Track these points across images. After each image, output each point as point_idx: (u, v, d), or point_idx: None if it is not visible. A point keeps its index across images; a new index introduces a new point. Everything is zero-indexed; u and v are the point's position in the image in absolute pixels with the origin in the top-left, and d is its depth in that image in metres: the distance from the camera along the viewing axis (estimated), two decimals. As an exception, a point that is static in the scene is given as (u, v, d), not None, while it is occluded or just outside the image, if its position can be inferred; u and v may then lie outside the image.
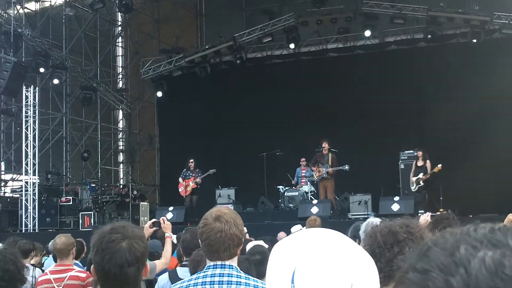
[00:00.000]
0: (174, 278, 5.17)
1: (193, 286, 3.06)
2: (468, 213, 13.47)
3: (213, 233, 3.01)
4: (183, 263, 5.62)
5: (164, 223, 6.35)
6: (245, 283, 3.03)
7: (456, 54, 20.20)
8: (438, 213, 10.90)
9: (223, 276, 3.03)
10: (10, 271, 3.92)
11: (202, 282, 3.04)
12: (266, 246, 6.65)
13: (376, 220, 4.77)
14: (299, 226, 10.12)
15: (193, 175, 17.45)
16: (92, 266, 2.50)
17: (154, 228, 6.43)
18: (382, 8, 20.34)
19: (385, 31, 21.72)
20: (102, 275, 2.44)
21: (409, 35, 21.72)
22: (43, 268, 7.70)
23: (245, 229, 3.64)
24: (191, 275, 3.96)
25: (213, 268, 3.06)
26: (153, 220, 6.53)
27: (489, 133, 19.05)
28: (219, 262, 3.05)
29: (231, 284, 3.01)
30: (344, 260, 1.76)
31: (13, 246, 7.26)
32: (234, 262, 3.08)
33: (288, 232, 10.39)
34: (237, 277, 3.03)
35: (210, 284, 3.02)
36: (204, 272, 3.08)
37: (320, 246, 1.79)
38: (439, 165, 15.13)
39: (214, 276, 3.03)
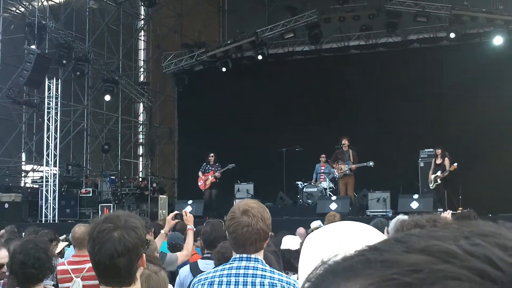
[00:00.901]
0: (195, 270, 5.22)
1: (218, 277, 3.09)
2: (487, 212, 13.38)
3: (240, 227, 3.04)
4: (205, 255, 5.66)
5: (186, 215, 6.38)
6: (270, 276, 3.06)
7: (479, 54, 20.03)
8: (459, 211, 10.85)
9: (248, 269, 3.05)
10: (41, 259, 3.96)
11: (227, 274, 3.08)
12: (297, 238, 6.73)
13: (405, 217, 4.80)
14: (318, 222, 10.13)
15: (213, 169, 17.50)
16: None
17: (176, 220, 6.46)
18: (405, 6, 20.22)
19: (407, 29, 21.60)
20: (94, 265, 2.42)
21: (432, 33, 21.57)
22: (63, 257, 7.76)
23: None
24: (215, 266, 4.00)
25: (238, 260, 3.09)
26: (176, 212, 6.56)
27: (510, 133, 18.91)
28: (245, 255, 3.08)
29: (256, 277, 3.04)
30: None
31: (33, 235, 7.33)
32: (260, 255, 3.11)
33: (307, 228, 10.43)
34: (262, 271, 3.06)
35: (235, 276, 3.06)
36: (230, 264, 3.11)
37: (353, 238, 1.81)
38: (455, 164, 15.08)
39: (239, 269, 3.06)
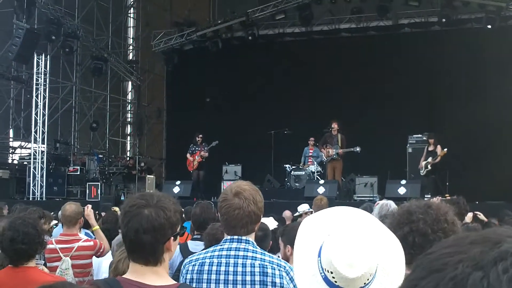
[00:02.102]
0: (185, 251, 5.22)
1: (209, 258, 3.10)
2: (475, 200, 13.46)
3: (232, 209, 3.04)
4: (194, 236, 5.67)
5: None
6: (260, 258, 3.06)
7: (470, 39, 20.04)
8: (447, 196, 10.91)
9: (239, 251, 3.06)
10: (30, 234, 3.95)
11: (218, 255, 3.08)
12: (276, 223, 6.71)
13: (389, 202, 4.81)
14: (306, 206, 10.15)
15: (200, 149, 17.50)
16: None
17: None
18: (397, -11, 20.16)
19: (399, 13, 21.54)
20: (123, 238, 2.49)
21: (424, 18, 21.52)
22: (51, 236, 7.73)
23: None
24: (205, 248, 4.00)
25: (229, 242, 3.09)
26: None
27: (498, 120, 19.00)
28: (236, 237, 3.08)
29: (247, 258, 3.04)
30: (371, 239, 1.78)
31: (23, 212, 7.30)
32: (251, 237, 3.12)
33: (294, 211, 10.46)
34: (252, 252, 3.07)
35: (225, 258, 3.06)
36: (221, 245, 3.12)
37: (348, 223, 1.81)
38: (445, 149, 15.13)
39: (230, 250, 3.07)
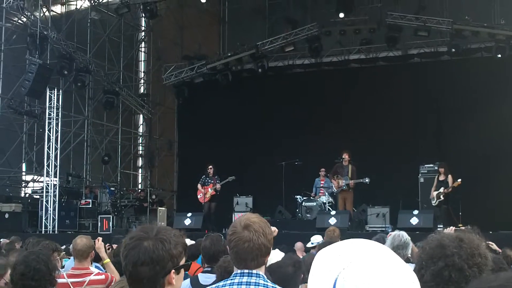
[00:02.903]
0: (195, 284, 5.20)
1: (220, 293, 3.08)
2: (488, 229, 13.33)
3: (241, 242, 3.03)
4: (205, 269, 5.65)
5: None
6: (271, 292, 3.05)
7: (480, 69, 20.05)
8: (460, 226, 10.82)
9: (249, 285, 3.04)
10: (41, 271, 3.96)
11: (229, 289, 3.07)
12: (282, 254, 6.70)
13: (402, 233, 4.78)
14: (319, 237, 10.10)
15: (212, 181, 17.46)
16: None
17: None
18: (406, 20, 20.28)
19: (408, 43, 21.64)
20: (123, 271, 2.43)
21: (433, 48, 21.60)
22: (63, 269, 7.71)
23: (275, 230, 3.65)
24: (217, 280, 3.98)
25: (240, 276, 3.07)
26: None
27: (510, 149, 18.91)
28: (246, 270, 3.06)
29: (258, 292, 3.02)
30: (388, 272, 1.76)
31: (36, 246, 7.30)
32: (261, 270, 3.10)
33: (305, 242, 10.40)
34: (264, 286, 3.05)
35: (237, 292, 3.04)
36: (231, 279, 3.10)
37: (363, 256, 1.80)
38: (459, 180, 15.00)
39: (241, 285, 3.04)
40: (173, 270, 2.39)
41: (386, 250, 1.88)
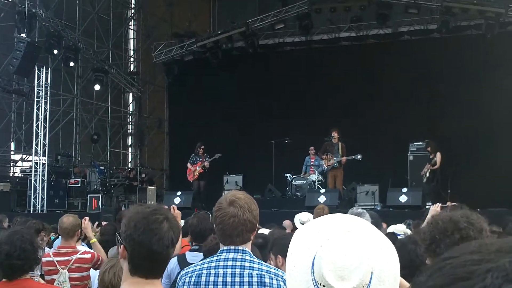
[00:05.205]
0: (183, 262, 5.20)
1: (206, 269, 3.07)
2: (476, 207, 13.40)
3: (227, 218, 3.02)
4: (192, 248, 5.65)
5: (174, 211, 6.34)
6: (258, 268, 3.04)
7: (470, 46, 20.04)
8: (448, 203, 10.86)
9: (236, 261, 3.03)
10: (27, 251, 3.95)
11: (215, 266, 3.06)
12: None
13: (359, 211, 4.87)
14: (307, 214, 10.09)
15: (201, 160, 17.45)
16: (123, 245, 2.44)
17: None
18: (396, -2, 20.20)
19: (398, 21, 21.57)
20: (146, 255, 2.38)
21: (423, 25, 21.53)
22: (52, 248, 7.70)
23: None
24: (204, 258, 3.97)
25: (226, 252, 3.07)
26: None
27: (501, 126, 18.98)
28: (232, 247, 3.06)
29: (244, 268, 3.02)
30: (365, 248, 1.75)
31: (23, 225, 7.29)
32: (247, 247, 3.09)
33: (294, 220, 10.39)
34: (250, 262, 3.04)
35: (222, 268, 3.04)
36: (217, 256, 3.09)
37: (340, 233, 1.79)
38: (438, 154, 15.14)
39: (227, 261, 3.04)
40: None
41: (363, 224, 1.87)
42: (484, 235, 2.54)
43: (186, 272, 3.15)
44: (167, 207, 2.64)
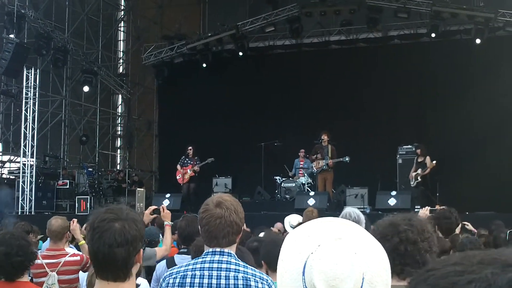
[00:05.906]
0: (171, 265, 5.16)
1: (191, 271, 3.05)
2: (465, 210, 13.45)
3: (213, 219, 3.01)
4: (181, 250, 5.62)
5: (163, 211, 6.32)
6: (243, 271, 3.02)
7: (459, 51, 20.12)
8: (437, 207, 10.89)
9: (221, 263, 3.01)
10: (23, 246, 3.97)
11: (200, 267, 3.03)
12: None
13: (354, 210, 4.82)
14: (297, 217, 10.07)
15: (192, 162, 17.40)
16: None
17: (154, 215, 6.41)
18: (386, 2, 20.23)
19: (388, 25, 21.63)
20: (92, 254, 2.39)
21: (413, 29, 21.62)
22: (40, 250, 7.64)
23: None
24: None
25: (211, 254, 3.05)
26: (154, 207, 6.49)
27: (488, 131, 19.05)
28: (218, 249, 3.04)
29: (230, 271, 3.00)
30: (355, 253, 1.74)
31: (11, 227, 7.23)
32: (232, 249, 3.07)
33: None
34: (235, 265, 3.02)
35: (208, 270, 3.01)
36: (202, 258, 3.07)
37: (331, 240, 1.77)
38: (434, 162, 15.13)
39: (213, 263, 3.02)
40: (141, 249, 2.40)
41: (354, 228, 1.86)
42: (426, 235, 2.52)
43: (170, 273, 3.13)
44: (127, 206, 2.57)
